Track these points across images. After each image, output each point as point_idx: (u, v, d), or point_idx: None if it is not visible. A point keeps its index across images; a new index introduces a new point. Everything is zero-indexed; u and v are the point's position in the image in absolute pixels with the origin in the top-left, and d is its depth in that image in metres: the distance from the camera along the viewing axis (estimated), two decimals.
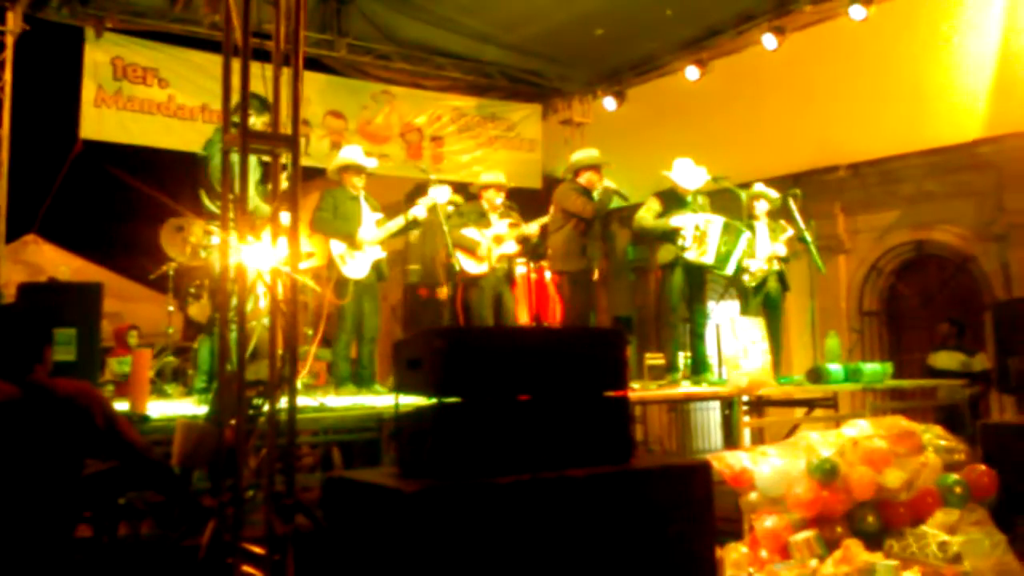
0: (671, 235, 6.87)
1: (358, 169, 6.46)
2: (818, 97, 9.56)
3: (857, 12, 8.12)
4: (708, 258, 6.76)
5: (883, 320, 9.88)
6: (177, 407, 5.28)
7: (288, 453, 3.61)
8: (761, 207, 7.38)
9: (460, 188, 6.99)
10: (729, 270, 6.90)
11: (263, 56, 3.75)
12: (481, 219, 7.05)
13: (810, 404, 7.43)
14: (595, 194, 6.89)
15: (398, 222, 6.45)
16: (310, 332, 6.98)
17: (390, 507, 3.29)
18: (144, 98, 7.97)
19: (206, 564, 3.21)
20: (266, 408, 3.58)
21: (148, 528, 4.05)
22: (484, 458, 3.42)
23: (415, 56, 9.34)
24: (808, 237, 7.17)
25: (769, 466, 5.14)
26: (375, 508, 3.39)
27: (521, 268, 7.78)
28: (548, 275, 7.95)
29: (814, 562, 4.88)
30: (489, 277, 6.94)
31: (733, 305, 8.06)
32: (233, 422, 3.49)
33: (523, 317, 7.84)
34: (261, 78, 3.67)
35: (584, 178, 6.97)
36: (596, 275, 7.13)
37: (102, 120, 7.76)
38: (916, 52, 9.11)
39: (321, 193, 6.51)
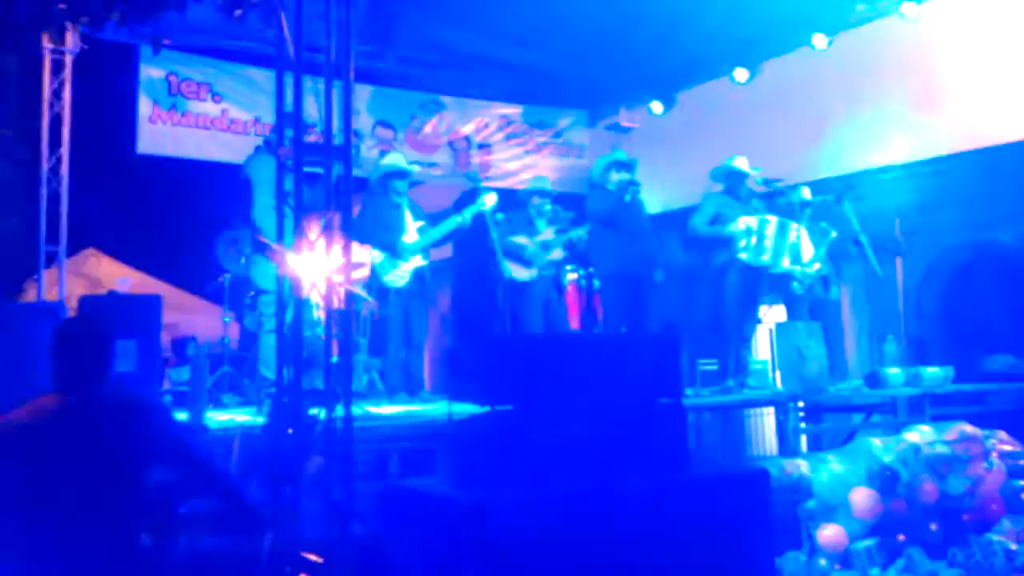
0: (725, 241, 6.77)
1: (401, 174, 6.49)
2: (870, 96, 9.38)
3: (909, 10, 7.98)
4: (767, 257, 6.64)
5: (942, 323, 9.64)
6: (234, 417, 5.36)
7: (344, 462, 3.63)
8: (803, 211, 7.28)
9: (508, 195, 6.99)
10: (780, 265, 6.78)
11: (313, 69, 3.79)
12: (528, 226, 7.04)
13: (868, 410, 7.29)
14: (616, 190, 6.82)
15: (441, 230, 6.47)
16: (363, 341, 7.04)
17: (444, 516, 3.30)
18: (199, 113, 8.12)
19: (265, 573, 3.24)
20: (322, 417, 3.62)
21: (207, 537, 4.09)
22: (537, 466, 3.42)
23: (462, 65, 9.37)
24: (864, 240, 7.05)
25: (828, 473, 5.06)
26: (429, 517, 3.40)
27: (570, 274, 7.75)
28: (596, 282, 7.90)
29: (875, 571, 4.80)
30: (537, 284, 6.92)
31: (779, 311, 7.96)
32: (290, 431, 3.53)
33: (572, 324, 7.80)
34: (312, 91, 3.72)
35: (613, 180, 6.90)
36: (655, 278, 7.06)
37: (158, 135, 7.93)
38: (972, 48, 8.90)
39: (361, 202, 6.55)
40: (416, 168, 6.65)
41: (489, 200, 6.44)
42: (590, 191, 7.04)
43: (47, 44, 7.19)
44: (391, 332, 6.33)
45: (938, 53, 8.98)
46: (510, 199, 7.25)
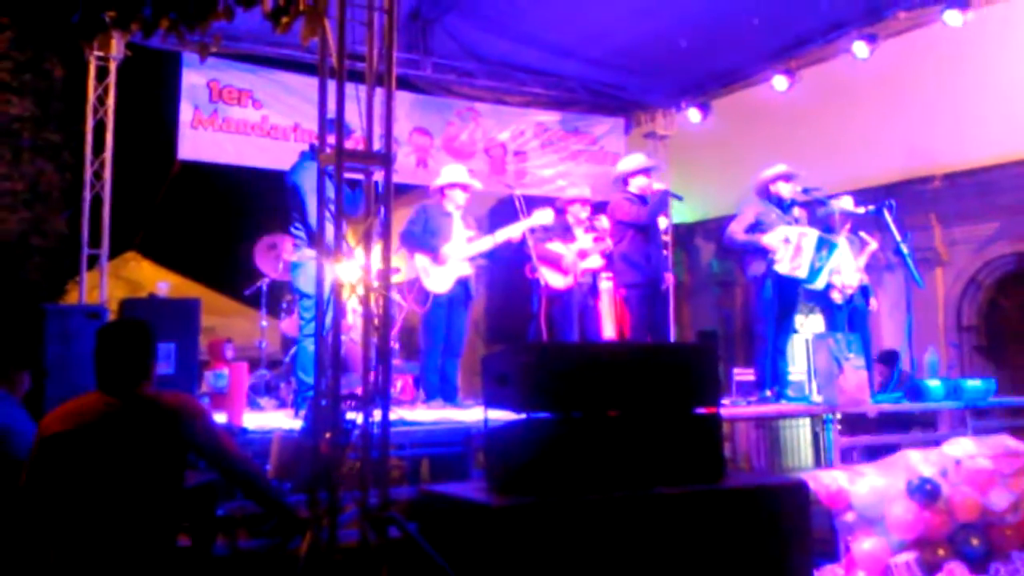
0: (762, 251, 6.70)
1: (464, 187, 6.55)
2: (912, 105, 9.30)
3: (953, 18, 7.87)
4: (802, 272, 6.56)
5: (983, 335, 9.50)
6: (271, 420, 5.41)
7: (381, 466, 3.64)
8: (844, 221, 7.19)
9: (546, 203, 6.99)
10: (818, 282, 6.70)
11: (354, 77, 3.82)
12: (566, 233, 7.03)
13: (908, 422, 7.18)
14: (649, 198, 6.78)
15: (487, 241, 6.48)
16: (396, 346, 7.08)
17: (478, 522, 3.30)
18: (239, 119, 8.20)
19: None
20: (359, 421, 3.63)
21: (244, 539, 4.13)
22: (573, 474, 3.41)
23: (498, 73, 9.41)
24: (904, 250, 6.95)
25: (867, 486, 5.00)
26: (464, 522, 3.40)
27: (606, 282, 7.72)
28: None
29: None
30: (574, 292, 6.91)
31: (817, 320, 7.87)
32: (328, 435, 3.55)
33: (608, 332, 7.78)
34: (354, 99, 3.75)
35: (635, 185, 6.85)
36: (668, 284, 7.02)
37: (199, 141, 8.01)
38: (1014, 57, 8.79)
39: (415, 208, 6.60)
40: (479, 185, 6.70)
41: (543, 218, 6.47)
42: (613, 200, 6.92)
43: (93, 51, 7.32)
44: (431, 338, 6.35)
45: (980, 62, 8.88)
46: (549, 207, 7.23)
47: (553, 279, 6.77)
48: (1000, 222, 9.20)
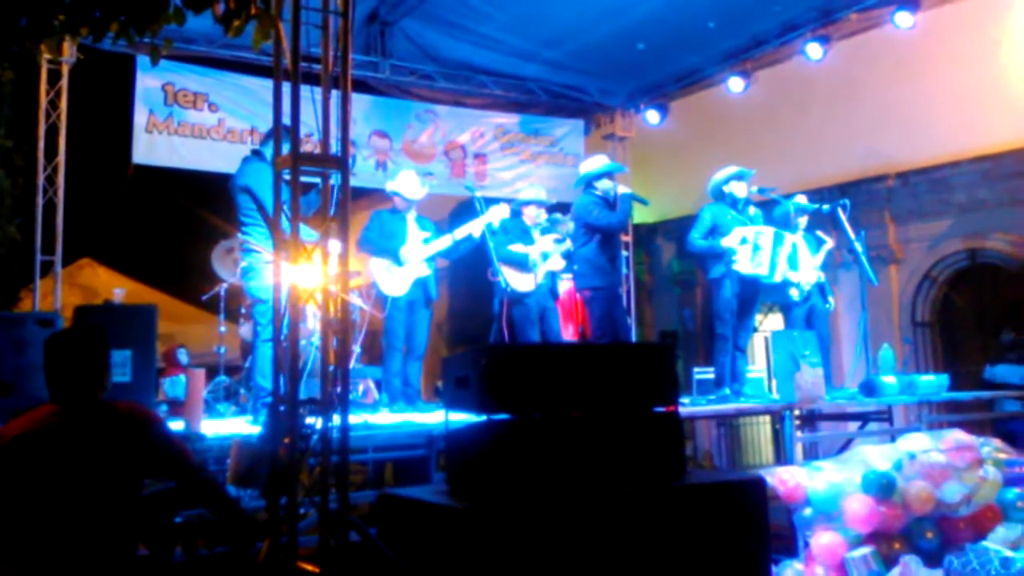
0: (721, 253, 6.77)
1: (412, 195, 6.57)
2: (865, 105, 9.45)
3: (903, 19, 8.02)
4: (763, 270, 6.63)
5: (936, 331, 9.68)
6: (231, 426, 5.35)
7: (341, 470, 3.62)
8: (800, 219, 7.29)
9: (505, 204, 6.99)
10: (776, 277, 6.77)
11: (310, 79, 3.80)
12: (524, 235, 7.05)
13: (863, 418, 7.31)
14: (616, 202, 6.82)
15: (444, 240, 6.48)
16: (358, 350, 7.05)
17: (440, 525, 3.30)
18: (195, 122, 8.11)
19: None
20: (319, 426, 3.61)
21: (203, 547, 4.08)
22: (533, 475, 3.42)
23: (457, 75, 9.41)
24: (858, 248, 7.07)
25: (823, 481, 5.07)
26: (425, 525, 3.39)
27: (566, 283, 7.74)
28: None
29: None
30: (534, 293, 6.92)
31: (776, 319, 7.96)
32: (287, 440, 3.52)
33: (568, 333, 7.80)
34: (310, 101, 3.73)
35: (600, 187, 6.86)
36: (626, 288, 7.09)
37: (154, 145, 7.90)
38: (965, 58, 8.97)
39: (370, 214, 6.59)
40: (425, 190, 6.70)
41: (499, 214, 6.48)
42: (580, 202, 6.86)
43: (44, 54, 7.18)
44: (391, 341, 6.34)
45: (931, 62, 9.05)
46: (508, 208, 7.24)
47: (514, 280, 6.77)
48: (952, 219, 9.38)
